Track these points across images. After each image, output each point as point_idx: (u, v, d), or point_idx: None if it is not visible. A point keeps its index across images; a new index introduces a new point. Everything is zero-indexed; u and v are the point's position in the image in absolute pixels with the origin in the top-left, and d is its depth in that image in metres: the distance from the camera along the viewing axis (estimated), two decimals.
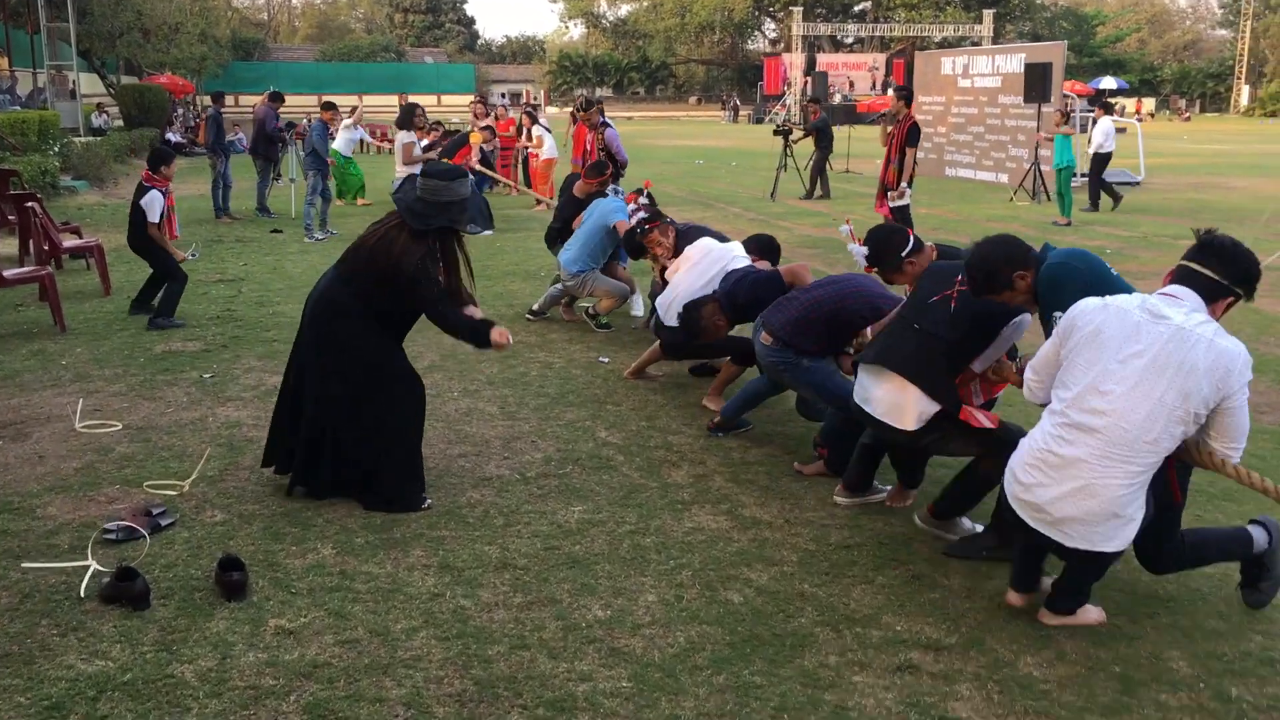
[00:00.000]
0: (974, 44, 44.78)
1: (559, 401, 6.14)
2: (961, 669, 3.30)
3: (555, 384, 6.50)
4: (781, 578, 3.92)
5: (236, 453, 5.19)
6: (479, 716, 3.02)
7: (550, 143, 16.33)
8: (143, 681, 3.16)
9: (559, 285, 8.07)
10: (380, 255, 4.39)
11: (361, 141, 16.73)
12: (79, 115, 25.58)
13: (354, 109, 19.76)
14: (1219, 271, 3.22)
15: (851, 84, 57.07)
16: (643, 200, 7.11)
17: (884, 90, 54.19)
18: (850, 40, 66.58)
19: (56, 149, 17.98)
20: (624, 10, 76.04)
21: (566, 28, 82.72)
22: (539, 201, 15.19)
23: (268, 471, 4.81)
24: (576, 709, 3.06)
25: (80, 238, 10.53)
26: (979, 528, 4.24)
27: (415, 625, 3.52)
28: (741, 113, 59.90)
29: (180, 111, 33.46)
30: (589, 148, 11.95)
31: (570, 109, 15.88)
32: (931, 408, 4.02)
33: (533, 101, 40.89)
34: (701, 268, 6.18)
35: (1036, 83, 17.73)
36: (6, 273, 7.99)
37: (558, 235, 8.47)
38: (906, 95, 11.47)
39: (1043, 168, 17.15)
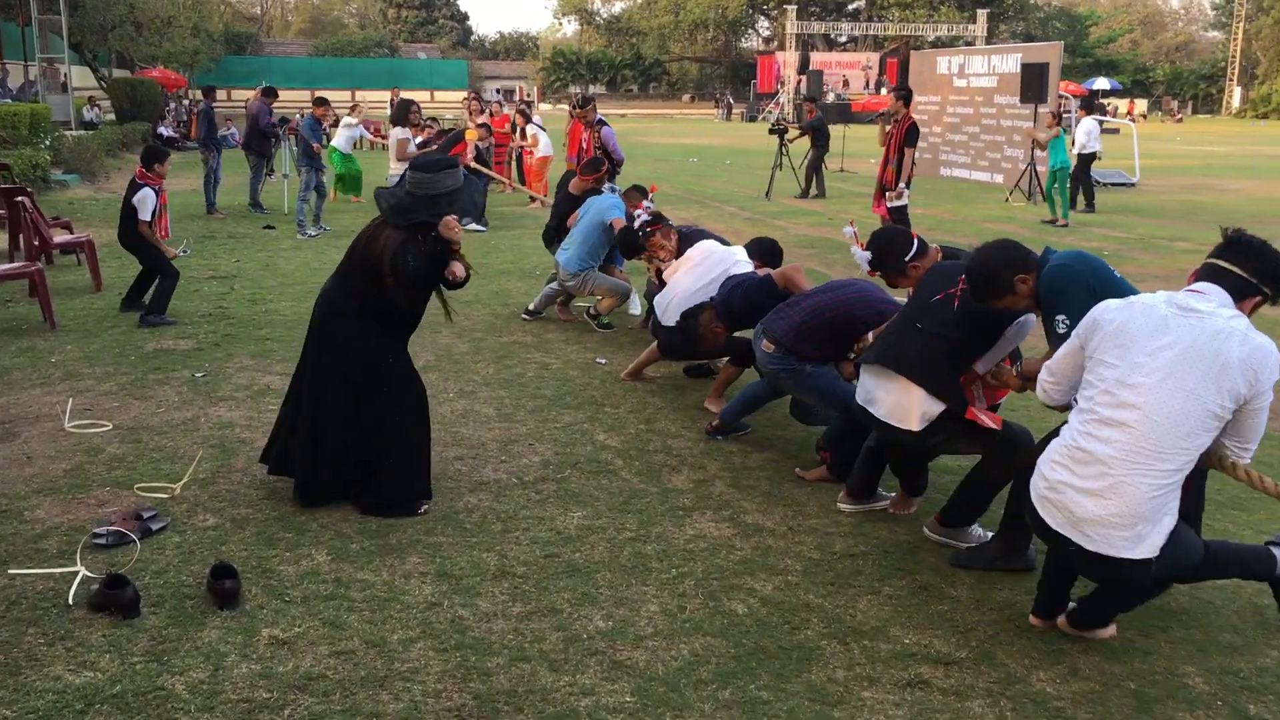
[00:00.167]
0: (967, 44, 44.83)
1: (556, 403, 6.05)
2: (973, 685, 3.23)
3: (552, 385, 6.41)
4: (786, 587, 3.85)
5: (229, 454, 5.09)
6: None
7: (545, 141, 16.22)
8: (132, 694, 3.06)
9: (554, 284, 7.99)
10: (371, 254, 4.36)
11: (360, 138, 16.56)
12: (70, 108, 25.39)
13: (355, 105, 19.61)
14: (1247, 269, 3.14)
15: (846, 82, 57.09)
16: (648, 204, 7.04)
17: (878, 89, 54.21)
18: (844, 39, 66.60)
19: (47, 142, 17.83)
20: (618, 7, 76.17)
21: (560, 24, 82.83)
22: (534, 199, 15.09)
23: (261, 471, 4.71)
24: None
25: (71, 233, 10.37)
26: (989, 535, 4.17)
27: (412, 636, 3.44)
28: (734, 111, 59.82)
29: (172, 106, 33.27)
30: (585, 145, 11.88)
31: (568, 106, 15.77)
32: (936, 408, 3.96)
33: (526, 99, 40.75)
34: (703, 269, 6.11)
35: (1033, 83, 17.73)
36: None
37: (555, 234, 8.39)
38: (905, 95, 11.33)
39: (1038, 168, 17.13)
